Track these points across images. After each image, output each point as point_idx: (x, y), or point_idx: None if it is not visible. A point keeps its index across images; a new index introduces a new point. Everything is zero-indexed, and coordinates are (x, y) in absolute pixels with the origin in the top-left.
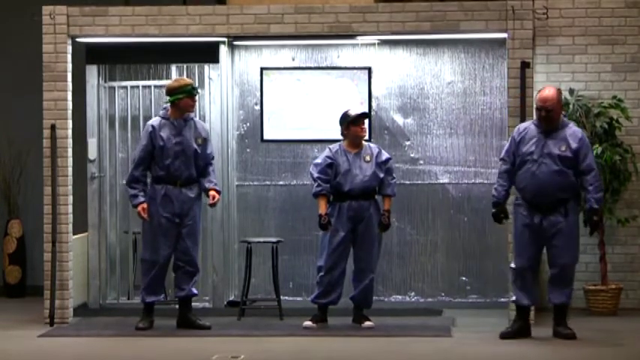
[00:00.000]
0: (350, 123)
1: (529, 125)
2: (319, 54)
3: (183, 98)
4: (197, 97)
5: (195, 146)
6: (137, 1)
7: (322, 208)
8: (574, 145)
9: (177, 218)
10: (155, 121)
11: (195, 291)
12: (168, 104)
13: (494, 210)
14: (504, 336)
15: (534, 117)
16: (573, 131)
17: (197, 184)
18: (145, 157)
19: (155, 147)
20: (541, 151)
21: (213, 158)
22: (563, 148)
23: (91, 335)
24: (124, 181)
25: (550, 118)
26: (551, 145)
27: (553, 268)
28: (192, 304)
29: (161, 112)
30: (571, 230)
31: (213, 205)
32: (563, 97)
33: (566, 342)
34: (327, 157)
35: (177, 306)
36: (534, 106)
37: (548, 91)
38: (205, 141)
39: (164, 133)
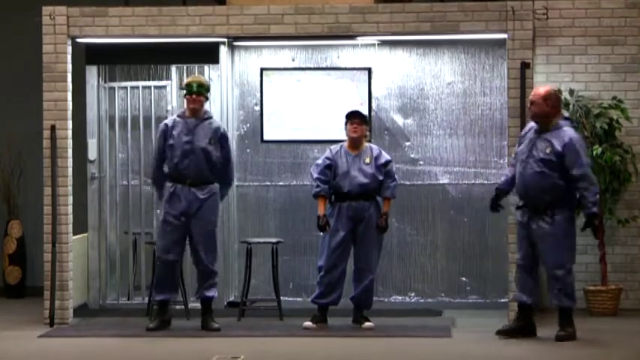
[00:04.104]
0: (346, 122)
1: (533, 125)
2: (319, 54)
3: (185, 96)
4: (196, 96)
5: (205, 146)
6: (137, 2)
7: (321, 209)
8: (558, 148)
9: (184, 217)
10: (170, 120)
11: (207, 294)
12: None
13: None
14: (500, 332)
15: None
16: (562, 134)
17: (210, 185)
18: (160, 157)
19: (167, 145)
20: (529, 151)
21: (229, 161)
22: (548, 151)
23: (91, 336)
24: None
25: (535, 113)
26: (538, 147)
27: (545, 270)
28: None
29: (179, 111)
30: (558, 235)
31: None
32: (563, 97)
33: (565, 343)
34: (327, 157)
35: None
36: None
37: (540, 88)
38: (219, 141)
39: (175, 132)
